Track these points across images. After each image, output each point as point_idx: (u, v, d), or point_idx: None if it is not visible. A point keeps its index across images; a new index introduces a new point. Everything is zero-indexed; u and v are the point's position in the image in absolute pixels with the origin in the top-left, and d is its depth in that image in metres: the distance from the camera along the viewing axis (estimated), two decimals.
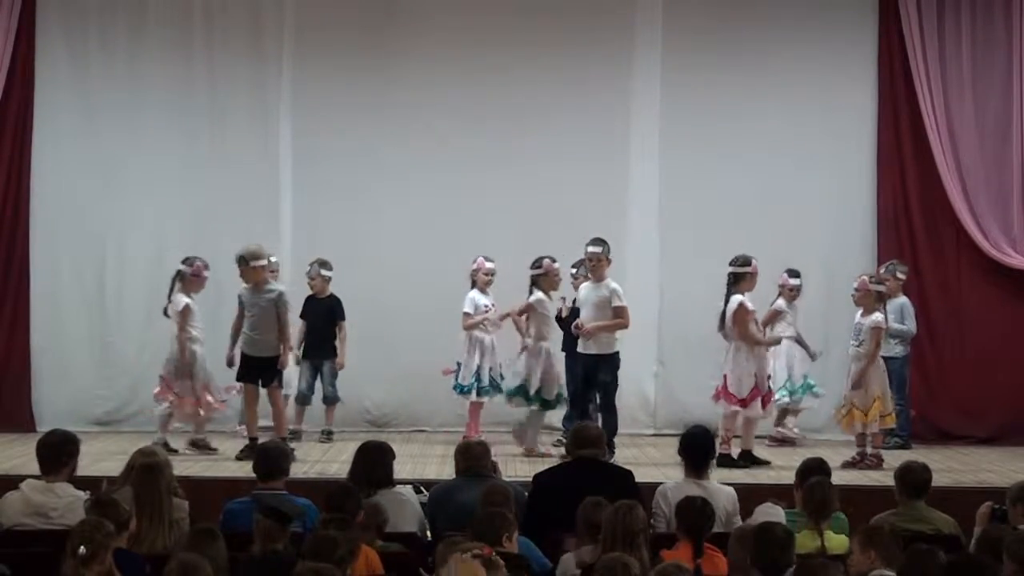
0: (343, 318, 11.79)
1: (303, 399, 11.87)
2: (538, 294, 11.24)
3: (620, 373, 11.12)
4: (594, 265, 10.86)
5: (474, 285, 11.55)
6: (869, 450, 10.69)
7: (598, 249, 10.85)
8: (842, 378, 11.14)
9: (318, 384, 11.93)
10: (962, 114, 12.61)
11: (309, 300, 11.85)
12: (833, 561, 5.40)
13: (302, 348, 11.81)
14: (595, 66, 12.84)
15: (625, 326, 10.85)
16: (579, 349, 10.91)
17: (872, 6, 12.79)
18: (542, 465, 9.19)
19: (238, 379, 10.90)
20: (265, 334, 10.65)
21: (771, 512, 6.63)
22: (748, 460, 10.64)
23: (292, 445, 10.46)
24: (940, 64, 12.58)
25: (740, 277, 10.83)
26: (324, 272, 11.89)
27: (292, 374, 11.47)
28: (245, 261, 10.69)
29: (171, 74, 12.80)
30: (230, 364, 10.85)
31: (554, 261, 11.28)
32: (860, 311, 10.77)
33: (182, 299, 10.94)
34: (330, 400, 11.91)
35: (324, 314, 11.83)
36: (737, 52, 12.78)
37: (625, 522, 5.89)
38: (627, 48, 12.91)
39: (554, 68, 12.77)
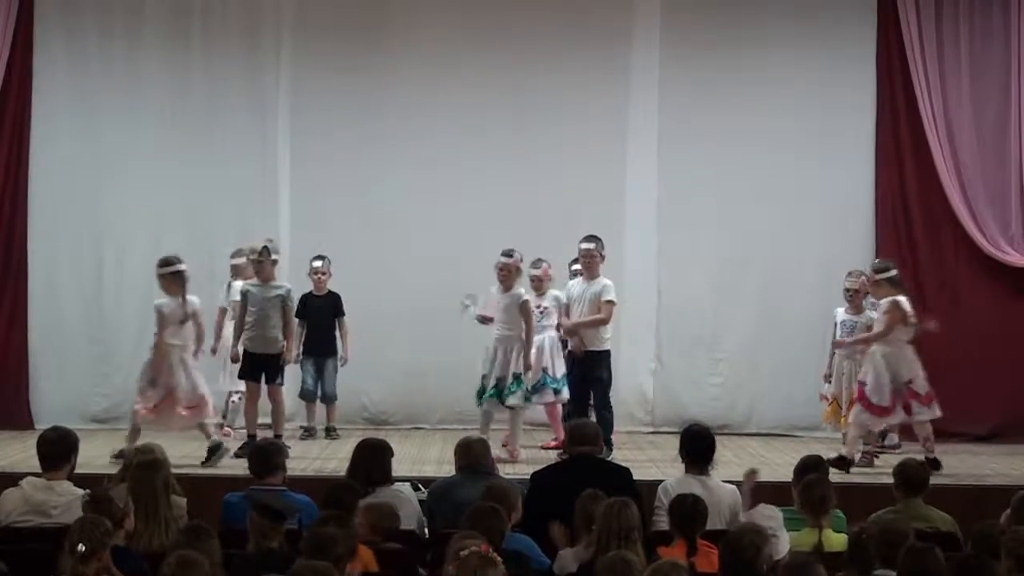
0: (343, 313, 11.82)
1: (309, 396, 11.90)
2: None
3: (618, 370, 11.16)
4: (588, 262, 10.87)
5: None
6: (861, 448, 10.71)
7: (591, 246, 10.87)
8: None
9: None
10: (960, 112, 12.61)
11: (307, 297, 11.83)
12: (817, 558, 5.39)
13: (303, 346, 11.81)
14: (593, 65, 12.83)
15: (604, 322, 10.79)
16: (570, 347, 10.96)
17: (871, 5, 12.78)
18: (542, 463, 9.18)
19: (241, 376, 10.94)
20: (271, 330, 10.67)
21: (768, 514, 6.62)
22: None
23: (290, 444, 10.54)
24: (938, 62, 12.59)
25: None
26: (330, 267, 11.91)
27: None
28: (268, 253, 10.73)
29: (169, 73, 12.79)
30: (235, 360, 10.92)
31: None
32: (842, 309, 10.78)
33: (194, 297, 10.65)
34: (330, 399, 11.93)
35: (327, 311, 11.84)
36: (736, 50, 12.77)
37: (619, 519, 5.89)
38: (625, 46, 12.90)
39: (552, 66, 12.75)
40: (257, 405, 10.77)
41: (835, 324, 10.90)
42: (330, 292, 11.92)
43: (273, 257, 10.77)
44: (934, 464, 10.02)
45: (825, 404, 10.97)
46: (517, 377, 10.63)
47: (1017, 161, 12.57)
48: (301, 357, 11.79)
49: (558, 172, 12.70)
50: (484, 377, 10.73)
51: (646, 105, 12.87)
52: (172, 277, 10.37)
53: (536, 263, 11.30)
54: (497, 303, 10.78)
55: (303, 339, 11.78)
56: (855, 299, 10.79)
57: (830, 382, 10.85)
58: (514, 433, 10.84)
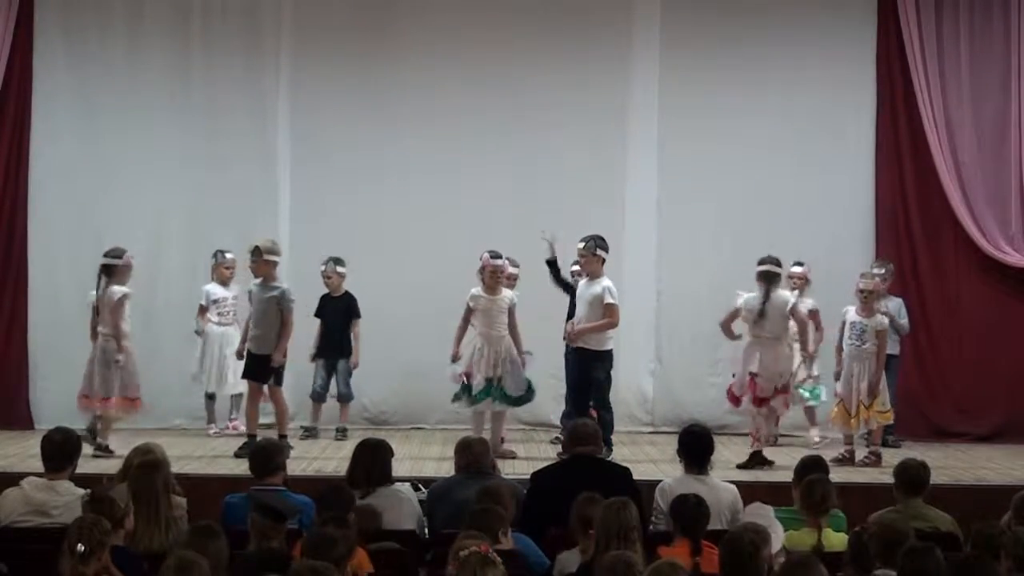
0: (358, 316, 11.85)
1: (318, 397, 11.94)
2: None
3: (618, 370, 11.16)
4: (582, 262, 10.90)
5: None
6: (865, 448, 10.74)
7: (580, 245, 10.90)
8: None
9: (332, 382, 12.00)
10: (960, 113, 12.62)
11: (324, 298, 11.91)
12: (814, 559, 5.39)
13: (316, 346, 11.90)
14: (593, 65, 12.84)
15: (612, 326, 10.80)
16: (572, 345, 11.00)
17: (871, 5, 12.78)
18: (540, 463, 9.19)
19: (243, 376, 11.02)
20: (266, 331, 10.68)
21: (760, 512, 6.62)
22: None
23: (292, 444, 10.60)
24: (938, 63, 12.59)
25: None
26: (339, 269, 11.92)
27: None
28: (259, 252, 10.74)
29: (169, 73, 12.79)
30: (239, 357, 11.07)
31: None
32: (853, 308, 10.76)
33: (119, 289, 10.61)
34: (344, 398, 11.94)
35: (340, 312, 11.87)
36: (736, 50, 12.78)
37: (619, 519, 5.89)
38: (625, 46, 12.91)
39: (552, 67, 12.77)
40: (258, 405, 10.80)
41: (844, 323, 10.84)
42: (346, 293, 11.95)
43: (266, 257, 10.74)
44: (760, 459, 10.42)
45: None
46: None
47: (1017, 161, 12.57)
48: (316, 358, 11.91)
49: (558, 172, 12.71)
50: (466, 376, 10.85)
51: (646, 105, 12.87)
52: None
53: (513, 262, 11.35)
54: (487, 304, 10.89)
55: (318, 340, 11.88)
56: (868, 300, 10.72)
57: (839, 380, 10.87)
58: (500, 429, 11.06)
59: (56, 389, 12.42)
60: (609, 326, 10.78)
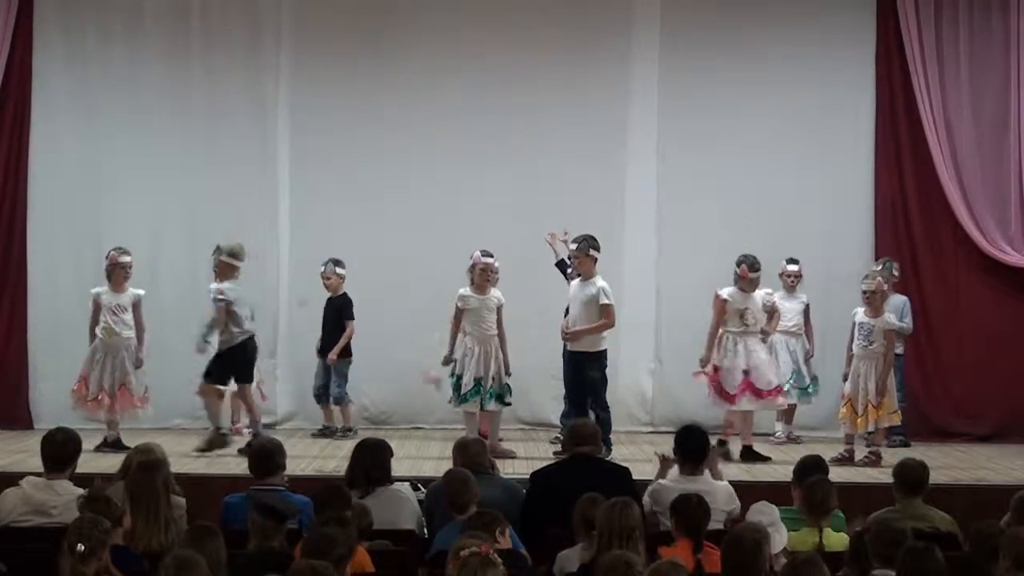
0: (350, 318, 11.86)
1: (319, 397, 11.98)
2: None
3: (618, 370, 11.18)
4: (577, 263, 10.93)
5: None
6: (866, 448, 10.75)
7: (573, 247, 10.96)
8: (839, 376, 11.15)
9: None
10: (959, 112, 12.62)
11: (327, 299, 11.96)
12: (818, 558, 5.39)
13: (318, 347, 11.99)
14: (593, 65, 12.84)
15: (609, 326, 10.86)
16: (567, 347, 11.03)
17: (871, 6, 12.78)
18: (539, 463, 9.20)
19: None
20: (218, 331, 10.85)
21: (764, 511, 6.63)
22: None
23: (232, 440, 10.86)
24: (938, 62, 12.59)
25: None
26: (338, 271, 11.93)
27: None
28: (219, 252, 10.90)
29: (169, 73, 12.78)
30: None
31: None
32: (862, 310, 10.76)
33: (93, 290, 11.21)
34: (336, 400, 11.95)
35: (334, 313, 11.89)
36: (735, 50, 12.77)
37: (621, 519, 5.90)
38: (625, 46, 12.91)
39: (552, 67, 12.77)
40: (221, 399, 10.98)
41: (853, 324, 10.86)
42: (343, 294, 11.97)
43: (222, 258, 10.89)
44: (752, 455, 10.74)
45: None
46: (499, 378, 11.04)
47: (1016, 161, 12.57)
48: (317, 358, 12.00)
49: (558, 172, 12.71)
50: (458, 377, 10.99)
51: (646, 105, 12.87)
52: None
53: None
54: (476, 304, 10.99)
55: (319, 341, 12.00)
56: (872, 301, 10.73)
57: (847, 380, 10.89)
58: (496, 430, 11.11)
59: (56, 389, 12.41)
60: (605, 327, 10.83)
